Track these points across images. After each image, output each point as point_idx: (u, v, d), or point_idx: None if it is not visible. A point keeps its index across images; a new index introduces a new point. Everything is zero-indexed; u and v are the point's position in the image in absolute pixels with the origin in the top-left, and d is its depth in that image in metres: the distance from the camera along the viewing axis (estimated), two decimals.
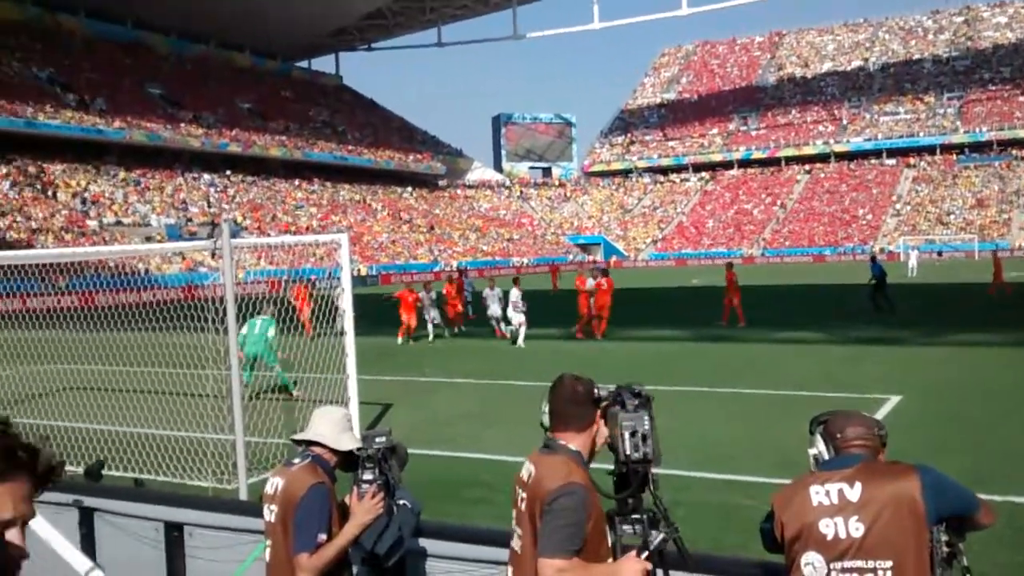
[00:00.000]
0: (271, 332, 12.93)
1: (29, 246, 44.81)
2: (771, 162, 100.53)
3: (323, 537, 3.35)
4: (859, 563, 2.73)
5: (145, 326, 11.24)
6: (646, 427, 2.88)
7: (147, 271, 45.36)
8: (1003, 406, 11.61)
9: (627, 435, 2.87)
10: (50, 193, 56.39)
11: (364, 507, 3.40)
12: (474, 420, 11.98)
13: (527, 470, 3.03)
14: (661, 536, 2.86)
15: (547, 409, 3.05)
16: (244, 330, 13.21)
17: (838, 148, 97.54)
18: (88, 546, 5.10)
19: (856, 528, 2.74)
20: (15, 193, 54.06)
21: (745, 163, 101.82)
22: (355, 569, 3.66)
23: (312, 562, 3.31)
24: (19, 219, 50.50)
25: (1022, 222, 79.31)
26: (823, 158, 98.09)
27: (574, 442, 2.98)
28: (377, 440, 3.59)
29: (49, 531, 2.29)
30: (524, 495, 2.99)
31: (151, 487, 7.83)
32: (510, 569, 3.07)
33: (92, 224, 53.95)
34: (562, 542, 2.76)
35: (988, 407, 11.59)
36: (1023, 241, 75.88)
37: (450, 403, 13.41)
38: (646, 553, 2.83)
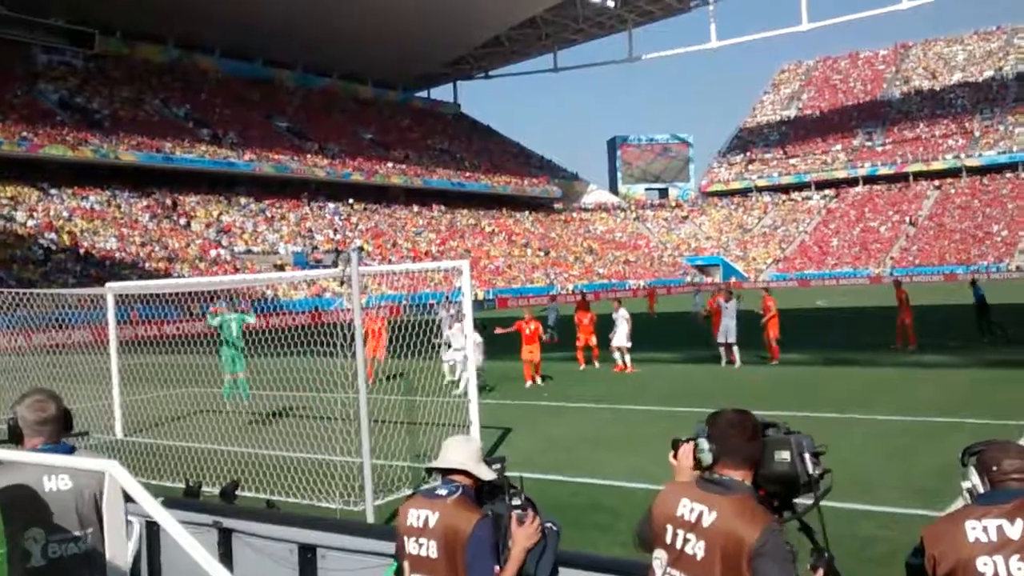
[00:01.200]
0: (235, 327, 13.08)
1: (166, 275, 47.13)
2: (898, 178, 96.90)
3: (497, 569, 3.39)
4: None
5: (274, 350, 11.63)
6: (810, 444, 2.87)
7: (275, 297, 47.00)
8: None
9: (808, 455, 2.84)
10: (185, 223, 59.22)
11: (526, 532, 3.41)
12: (594, 445, 11.90)
13: (694, 510, 2.89)
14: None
15: (707, 446, 2.95)
16: (223, 325, 13.47)
17: (970, 162, 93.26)
18: (226, 565, 5.28)
19: (1018, 568, 2.61)
20: (154, 224, 57.01)
21: (871, 179, 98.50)
22: None
23: None
24: (157, 249, 53.18)
25: None
26: (954, 173, 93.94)
27: (741, 476, 2.90)
28: (494, 467, 3.62)
29: (197, 549, 2.38)
30: (701, 541, 2.84)
31: (282, 508, 8.07)
32: None
33: (224, 253, 56.34)
34: None
35: None
36: None
37: (569, 428, 13.36)
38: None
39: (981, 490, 2.85)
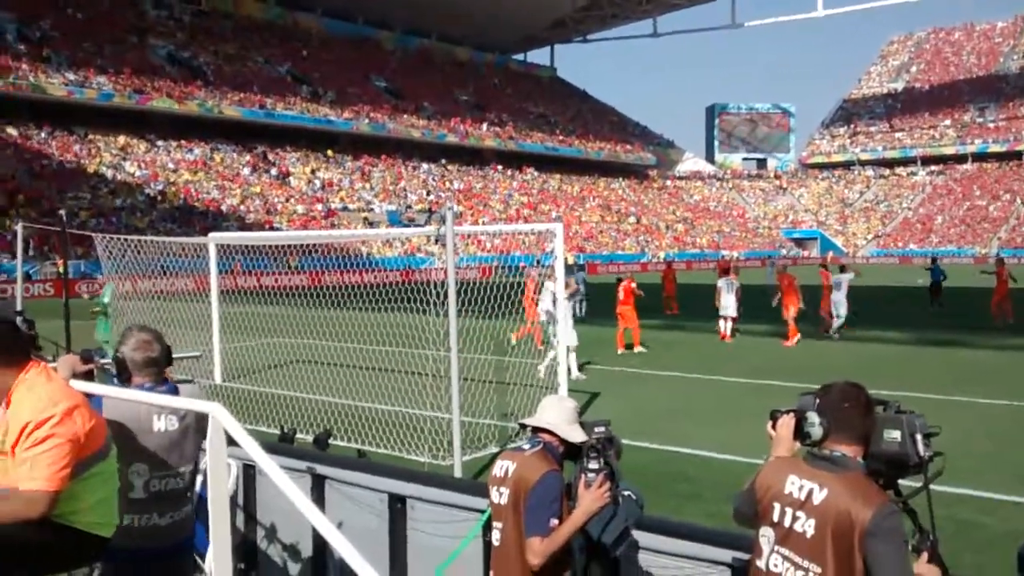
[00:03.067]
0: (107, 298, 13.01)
1: (265, 227, 48.36)
2: (1010, 156, 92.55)
3: (555, 522, 3.40)
4: None
5: (368, 306, 11.82)
6: (923, 424, 2.77)
7: (369, 254, 47.80)
8: None
9: (919, 436, 2.75)
10: (284, 178, 60.52)
11: (592, 495, 3.40)
12: (681, 414, 11.81)
13: (804, 488, 2.80)
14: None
15: (817, 420, 2.84)
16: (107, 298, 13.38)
17: None
18: (319, 511, 5.42)
19: None
20: (255, 178, 58.44)
21: (980, 157, 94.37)
22: (577, 557, 3.68)
23: (544, 546, 3.37)
24: (257, 203, 54.52)
25: None
26: None
27: (852, 453, 2.80)
28: (596, 430, 3.58)
29: (295, 492, 2.44)
30: (811, 519, 2.75)
31: (372, 459, 8.24)
32: None
33: (320, 208, 57.43)
34: (909, 565, 2.62)
35: None
36: None
37: (657, 396, 13.28)
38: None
39: None
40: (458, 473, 7.78)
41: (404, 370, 11.62)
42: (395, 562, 5.15)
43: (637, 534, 4.15)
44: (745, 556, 3.35)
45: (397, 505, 5.19)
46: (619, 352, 18.07)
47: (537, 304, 15.40)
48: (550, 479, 3.46)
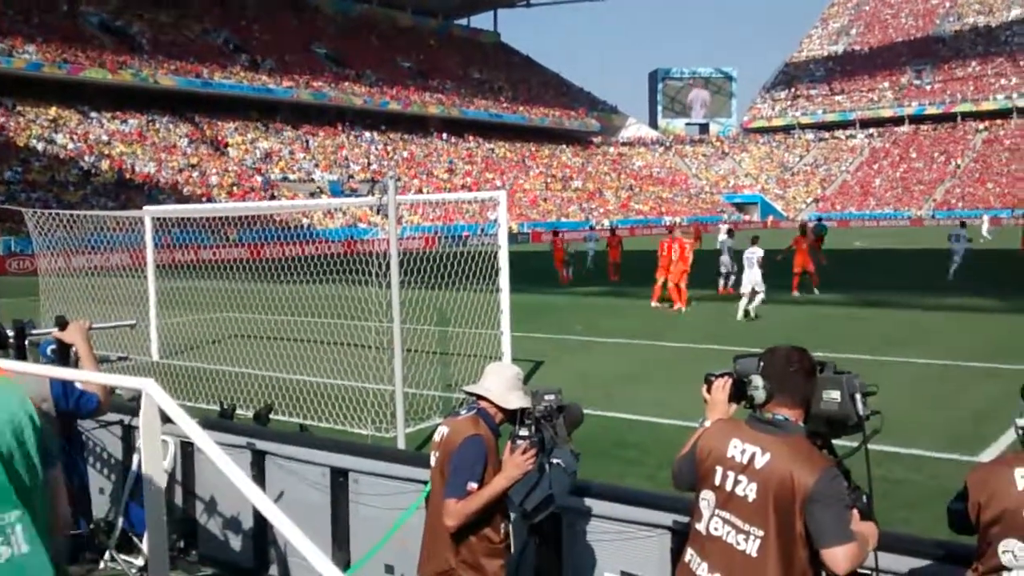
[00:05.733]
0: None
1: (203, 200, 47.51)
2: (946, 118, 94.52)
3: (473, 486, 3.42)
4: None
5: (310, 278, 11.70)
6: (861, 384, 2.81)
7: (310, 225, 47.25)
8: None
9: (858, 395, 2.78)
10: (222, 149, 59.42)
11: (514, 462, 3.42)
12: (626, 380, 11.92)
13: (746, 452, 2.81)
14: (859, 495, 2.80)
15: (760, 383, 2.86)
16: None
17: (1021, 103, 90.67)
18: (259, 486, 5.38)
19: None
20: (192, 149, 57.26)
21: (917, 119, 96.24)
22: (511, 521, 3.70)
23: (458, 508, 3.41)
24: (195, 175, 53.48)
25: None
26: (1004, 114, 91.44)
27: (795, 417, 2.83)
28: (547, 398, 3.60)
29: (231, 467, 2.41)
30: (753, 483, 2.77)
31: (314, 433, 8.19)
32: (726, 565, 2.82)
33: (260, 179, 56.54)
34: (849, 529, 2.65)
35: None
36: None
37: (602, 362, 13.40)
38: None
39: None
40: (401, 445, 7.77)
41: (347, 342, 11.55)
42: (337, 535, 5.15)
43: (580, 500, 4.20)
44: (685, 519, 3.39)
45: (339, 479, 5.18)
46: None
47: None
48: (472, 443, 3.48)
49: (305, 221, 47.43)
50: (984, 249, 37.84)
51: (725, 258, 22.89)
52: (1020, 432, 2.81)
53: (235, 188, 53.21)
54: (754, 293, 17.96)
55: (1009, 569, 2.62)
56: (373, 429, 8.72)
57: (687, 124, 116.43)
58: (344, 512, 5.15)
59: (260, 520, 5.34)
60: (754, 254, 18.34)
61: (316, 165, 63.15)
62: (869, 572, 2.88)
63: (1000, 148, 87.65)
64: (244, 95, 64.72)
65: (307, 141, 66.57)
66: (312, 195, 54.38)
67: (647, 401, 10.29)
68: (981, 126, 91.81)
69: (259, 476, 5.43)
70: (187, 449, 5.75)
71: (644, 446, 8.42)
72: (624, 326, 17.16)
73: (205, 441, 2.69)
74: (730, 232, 23.93)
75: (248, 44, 71.59)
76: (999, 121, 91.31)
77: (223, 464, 2.60)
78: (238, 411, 8.11)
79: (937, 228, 70.16)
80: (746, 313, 17.83)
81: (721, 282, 22.95)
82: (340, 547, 5.13)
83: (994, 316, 17.63)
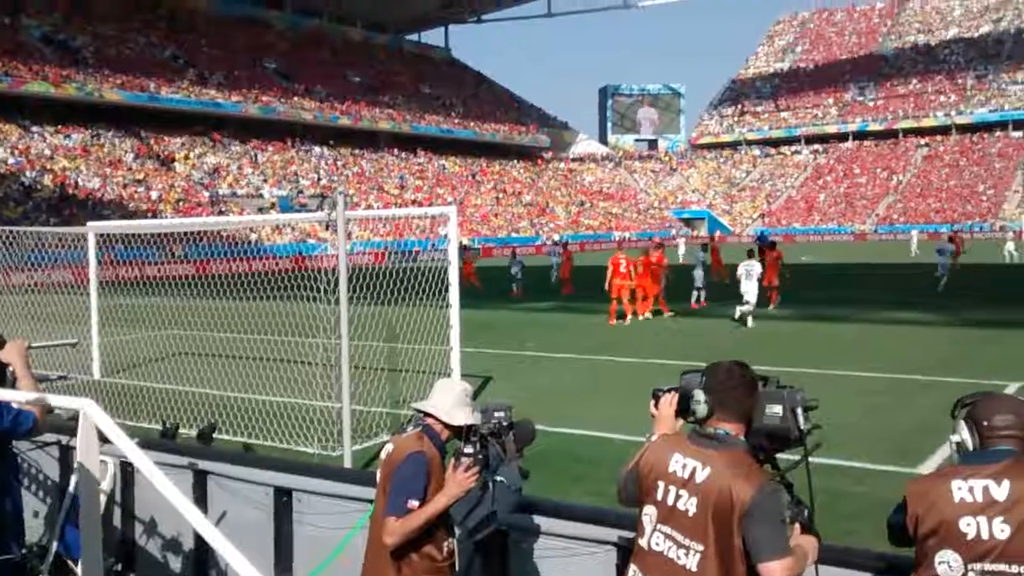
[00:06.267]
0: None
1: (149, 215, 46.77)
2: (888, 134, 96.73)
3: (414, 504, 3.38)
4: (1001, 567, 2.59)
5: (257, 294, 11.56)
6: (803, 399, 2.84)
7: (258, 241, 46.75)
8: None
9: (799, 410, 2.80)
10: (169, 165, 58.60)
11: (456, 479, 3.39)
12: (575, 396, 11.94)
13: (687, 466, 2.83)
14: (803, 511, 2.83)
15: (703, 398, 2.88)
16: None
17: (960, 120, 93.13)
18: (201, 507, 5.28)
19: (1001, 530, 2.58)
20: (138, 164, 56.38)
21: (860, 135, 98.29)
22: (456, 538, 3.67)
23: (398, 526, 3.37)
24: (140, 190, 52.64)
25: None
26: (943, 130, 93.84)
27: (736, 431, 2.84)
28: (496, 415, 3.58)
29: (170, 488, 2.36)
30: (693, 497, 2.78)
31: (259, 452, 8.08)
32: None
33: (207, 195, 55.86)
34: (786, 543, 2.66)
35: None
36: None
37: (551, 378, 13.40)
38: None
39: (970, 446, 2.79)
40: (348, 463, 7.69)
41: (294, 359, 11.44)
42: (281, 556, 5.07)
43: (527, 517, 4.18)
44: (631, 535, 3.39)
45: (283, 498, 5.10)
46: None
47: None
48: (413, 460, 3.45)
49: (253, 237, 46.89)
50: (920, 263, 38.69)
51: (698, 272, 23.13)
52: (954, 448, 2.85)
53: (182, 203, 52.47)
54: (746, 302, 19.07)
55: None
56: (319, 447, 8.62)
57: (636, 140, 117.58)
58: (288, 532, 5.07)
59: (201, 542, 5.23)
60: (753, 268, 19.46)
61: (265, 180, 62.56)
62: None
63: (940, 164, 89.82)
64: (191, 109, 63.97)
65: (256, 156, 65.95)
66: (261, 210, 53.83)
67: (597, 416, 10.31)
68: (922, 142, 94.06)
69: (201, 497, 5.33)
70: (127, 469, 5.63)
71: (594, 461, 8.42)
72: (575, 342, 17.20)
73: (143, 461, 2.63)
74: (704, 247, 24.34)
75: (196, 58, 70.80)
76: (939, 137, 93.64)
77: (161, 485, 2.55)
78: (181, 430, 7.96)
79: (880, 243, 71.61)
80: (743, 320, 18.88)
81: (695, 296, 23.06)
82: (283, 568, 5.05)
83: (935, 329, 17.99)
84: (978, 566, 2.60)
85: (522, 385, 12.50)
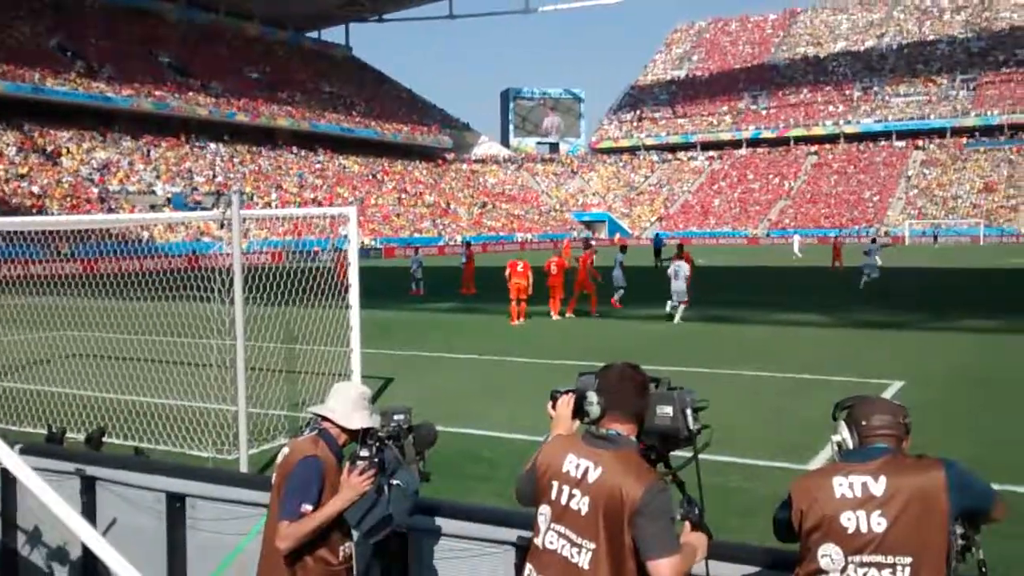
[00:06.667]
0: None
1: (34, 212, 44.84)
2: (780, 142, 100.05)
3: (307, 508, 3.36)
4: (878, 558, 2.71)
5: (148, 294, 11.21)
6: (693, 399, 2.91)
7: (150, 239, 45.35)
8: (1004, 394, 11.59)
9: (689, 411, 2.87)
10: (56, 159, 56.30)
11: (351, 483, 3.38)
12: (476, 396, 11.97)
13: (580, 466, 2.87)
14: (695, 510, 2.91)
15: (595, 399, 2.92)
16: None
17: (848, 129, 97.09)
18: (89, 514, 5.10)
19: (878, 523, 2.71)
20: (21, 158, 53.99)
21: (754, 142, 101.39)
22: (354, 541, 3.65)
23: (291, 530, 3.34)
24: (24, 185, 50.43)
25: None
26: (832, 139, 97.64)
27: (627, 431, 2.89)
28: (396, 418, 3.57)
29: (51, 496, 2.27)
30: (585, 496, 2.83)
31: (151, 456, 7.83)
32: None
33: (97, 191, 53.89)
34: (674, 541, 2.72)
35: (989, 395, 11.57)
36: None
37: (452, 379, 13.40)
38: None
39: (850, 445, 2.91)
40: (244, 467, 7.53)
41: (187, 361, 11.15)
42: (173, 564, 4.93)
43: (427, 519, 4.17)
44: (529, 534, 3.42)
45: (176, 504, 4.96)
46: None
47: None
48: (307, 464, 3.42)
49: (145, 235, 45.47)
50: (803, 266, 40.14)
51: (617, 273, 23.53)
52: (835, 448, 2.98)
53: (69, 200, 50.47)
54: (679, 301, 20.32)
55: (827, 572, 2.76)
56: (214, 451, 8.41)
57: (538, 143, 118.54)
58: (181, 539, 4.93)
59: (88, 551, 5.05)
60: (680, 267, 20.49)
61: (158, 177, 60.71)
62: None
63: (829, 171, 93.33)
64: (80, 103, 61.63)
65: (148, 152, 63.93)
66: (153, 208, 52.23)
67: (498, 417, 10.36)
68: (812, 150, 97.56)
69: (90, 503, 5.14)
70: (8, 477, 5.38)
71: (494, 462, 8.46)
72: (476, 342, 17.24)
73: (21, 469, 2.53)
74: (623, 248, 24.75)
75: (84, 50, 68.23)
76: (828, 145, 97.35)
77: (42, 493, 2.45)
78: (68, 435, 7.66)
79: (772, 246, 73.94)
80: (670, 317, 20.38)
81: (618, 294, 23.40)
82: (177, 575, 4.91)
83: (824, 331, 18.67)
84: (857, 558, 2.72)
85: (423, 386, 12.46)
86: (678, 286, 20.28)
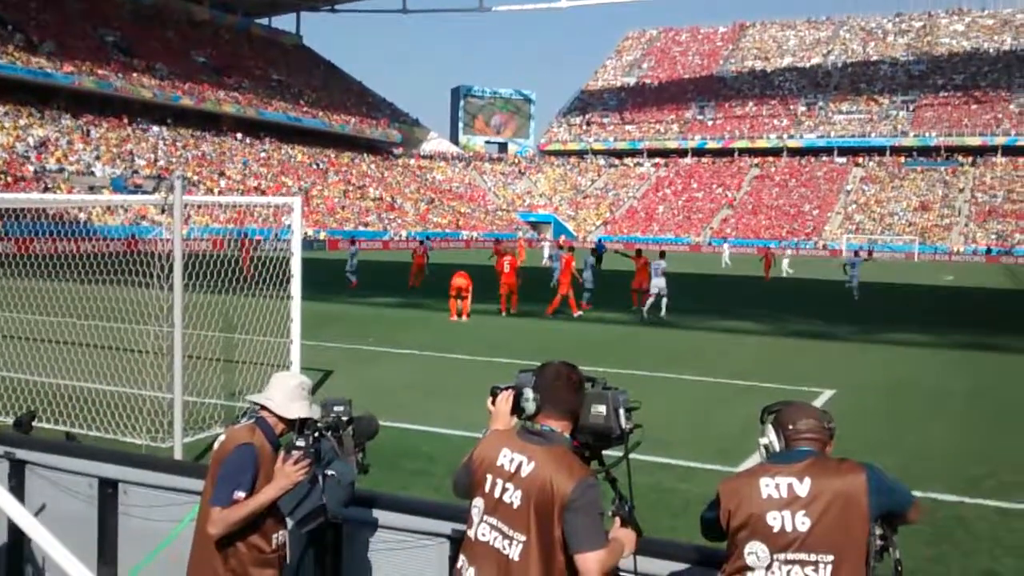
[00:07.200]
0: None
1: None
2: (724, 153, 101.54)
3: (240, 495, 3.37)
4: (802, 555, 2.81)
5: (84, 277, 11.01)
6: (625, 400, 2.98)
7: (88, 221, 44.35)
8: (930, 405, 11.96)
9: (622, 410, 2.94)
10: None
11: (285, 471, 3.40)
12: (416, 391, 11.98)
13: (514, 460, 2.94)
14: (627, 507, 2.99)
15: (531, 395, 3.00)
16: None
17: (791, 143, 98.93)
18: (17, 499, 5.01)
19: (802, 523, 2.82)
20: None
21: (699, 152, 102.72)
22: (288, 530, 3.66)
23: (222, 516, 3.36)
24: None
25: (962, 228, 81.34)
26: (775, 152, 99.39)
27: (561, 428, 2.97)
28: (335, 409, 3.59)
29: None
30: (518, 490, 2.89)
31: (83, 442, 7.71)
32: (492, 570, 2.92)
33: (33, 169, 52.53)
34: (601, 535, 2.79)
35: (915, 405, 11.93)
36: (961, 246, 77.91)
37: (393, 373, 13.38)
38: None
39: (777, 447, 3.03)
40: (179, 455, 7.46)
41: (123, 347, 10.97)
42: (104, 550, 4.88)
43: (363, 511, 4.19)
44: (463, 527, 3.47)
45: (108, 490, 4.91)
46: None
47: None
48: (242, 451, 3.44)
49: (82, 216, 44.48)
50: (738, 276, 40.81)
51: (588, 275, 23.89)
52: (762, 450, 3.09)
53: (3, 177, 49.11)
54: (659, 296, 21.64)
55: (753, 569, 2.87)
56: (148, 438, 8.31)
57: (487, 142, 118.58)
58: (113, 526, 4.87)
59: (16, 534, 4.97)
60: (659, 265, 21.91)
61: (98, 157, 59.37)
62: (630, 575, 3.07)
63: (771, 183, 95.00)
64: (17, 77, 59.96)
65: (88, 131, 62.49)
66: (92, 189, 51.10)
67: (437, 412, 10.38)
68: (755, 162, 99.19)
69: (18, 487, 5.06)
70: None
71: (433, 456, 8.49)
72: (417, 338, 17.22)
73: None
74: (594, 251, 24.98)
75: (24, 23, 66.42)
76: (771, 158, 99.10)
77: None
78: None
79: (714, 254, 74.91)
80: (653, 311, 21.48)
81: (586, 296, 23.56)
82: (107, 562, 4.86)
83: (758, 338, 19.03)
84: (782, 555, 2.83)
85: (364, 380, 12.42)
86: (658, 282, 21.68)
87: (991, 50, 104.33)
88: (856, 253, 35.66)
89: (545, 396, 2.98)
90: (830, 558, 2.80)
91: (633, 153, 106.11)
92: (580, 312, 21.80)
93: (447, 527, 4.01)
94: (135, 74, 70.29)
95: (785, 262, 47.46)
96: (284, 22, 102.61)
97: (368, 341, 16.51)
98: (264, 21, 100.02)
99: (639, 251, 25.64)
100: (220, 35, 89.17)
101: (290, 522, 3.62)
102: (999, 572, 6.10)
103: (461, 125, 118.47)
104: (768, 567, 2.84)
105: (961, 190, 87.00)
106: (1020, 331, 21.26)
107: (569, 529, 2.78)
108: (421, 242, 33.48)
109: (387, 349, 15.68)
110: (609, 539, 2.84)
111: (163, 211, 8.62)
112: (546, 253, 51.42)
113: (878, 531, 2.85)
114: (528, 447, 2.93)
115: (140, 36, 76.95)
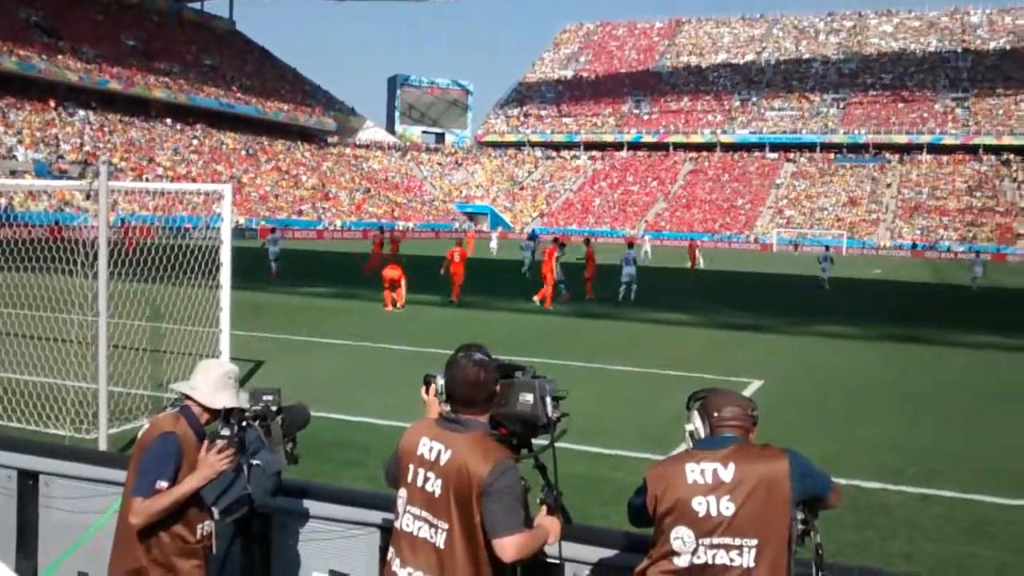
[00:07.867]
0: None
1: None
2: (659, 147, 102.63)
3: (162, 484, 3.33)
4: (727, 540, 2.87)
5: (6, 264, 10.68)
6: (553, 388, 3.00)
7: (9, 206, 43.02)
8: (856, 396, 12.27)
9: (549, 399, 2.96)
10: None
11: (208, 461, 3.37)
12: (348, 382, 11.90)
13: (433, 449, 2.96)
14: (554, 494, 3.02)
15: (443, 386, 3.04)
16: None
17: (724, 139, 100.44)
18: None
19: (727, 507, 2.87)
20: None
21: (635, 146, 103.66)
22: (215, 520, 3.60)
23: (144, 506, 3.31)
24: None
25: (889, 223, 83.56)
26: (709, 147, 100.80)
27: (474, 415, 2.99)
28: (265, 398, 3.55)
29: None
30: (438, 479, 2.92)
31: (3, 433, 7.49)
32: (419, 559, 2.94)
33: None
34: (518, 520, 2.82)
35: (842, 396, 12.23)
36: (887, 241, 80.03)
37: (325, 364, 13.28)
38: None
39: (702, 434, 3.07)
40: (103, 446, 7.29)
41: (45, 336, 10.69)
42: (24, 543, 4.75)
43: (292, 500, 4.15)
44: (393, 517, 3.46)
45: (28, 482, 4.78)
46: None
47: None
48: (163, 440, 3.39)
49: (3, 202, 43.11)
50: (664, 267, 41.37)
51: (556, 266, 23.91)
52: (688, 436, 3.15)
53: None
54: (630, 284, 23.82)
55: (679, 554, 2.91)
56: (72, 430, 8.10)
57: (424, 132, 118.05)
58: (33, 518, 4.75)
59: None
60: (629, 254, 24.27)
61: (20, 141, 57.59)
62: (556, 560, 3.09)
63: (704, 178, 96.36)
64: None
65: (9, 115, 60.54)
66: (13, 174, 49.53)
67: (370, 402, 10.33)
68: (689, 156, 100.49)
69: None
70: None
71: (366, 446, 8.45)
72: (351, 328, 17.10)
73: None
74: (561, 245, 25.02)
75: None
76: (705, 153, 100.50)
77: None
78: None
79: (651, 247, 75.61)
80: (626, 298, 23.59)
81: (560, 288, 23.86)
82: (27, 556, 4.73)
83: (693, 330, 19.28)
84: (707, 540, 2.88)
85: (296, 370, 12.30)
86: (630, 271, 23.83)
87: (918, 51, 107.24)
88: (827, 248, 37.51)
89: (450, 396, 3.02)
90: (754, 542, 2.85)
91: (570, 146, 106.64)
92: (538, 300, 22.38)
93: (378, 516, 3.99)
94: (60, 56, 68.30)
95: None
96: (216, 6, 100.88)
97: (302, 332, 16.34)
98: (196, 5, 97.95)
99: (588, 239, 26.23)
100: (150, 18, 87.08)
101: (215, 512, 3.56)
102: (915, 555, 6.30)
103: (398, 114, 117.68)
104: (694, 551, 2.89)
105: (888, 186, 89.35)
106: (944, 323, 21.92)
107: (486, 514, 2.82)
108: (381, 230, 33.72)
109: (320, 340, 15.53)
110: (535, 525, 2.86)
111: (88, 197, 8.38)
112: (493, 245, 52.46)
113: (800, 516, 2.92)
114: (446, 435, 2.96)
115: (65, 17, 74.73)
